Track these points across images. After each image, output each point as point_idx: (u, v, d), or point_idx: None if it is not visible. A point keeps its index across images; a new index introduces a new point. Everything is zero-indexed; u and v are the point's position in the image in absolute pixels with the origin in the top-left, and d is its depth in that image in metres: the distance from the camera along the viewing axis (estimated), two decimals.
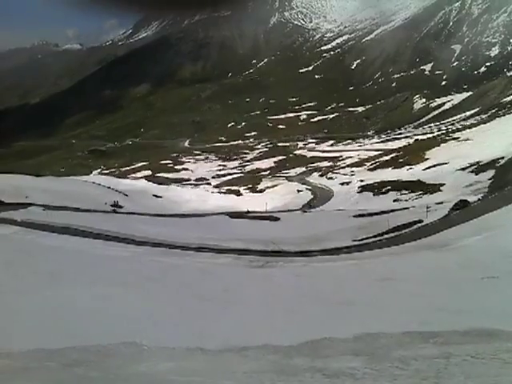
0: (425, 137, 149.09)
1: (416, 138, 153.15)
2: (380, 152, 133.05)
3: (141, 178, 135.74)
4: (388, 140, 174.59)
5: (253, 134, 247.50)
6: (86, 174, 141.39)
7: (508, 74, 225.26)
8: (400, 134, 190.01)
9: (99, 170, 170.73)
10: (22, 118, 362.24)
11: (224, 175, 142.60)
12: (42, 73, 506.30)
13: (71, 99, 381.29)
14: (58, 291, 18.52)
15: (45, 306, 15.82)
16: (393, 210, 57.47)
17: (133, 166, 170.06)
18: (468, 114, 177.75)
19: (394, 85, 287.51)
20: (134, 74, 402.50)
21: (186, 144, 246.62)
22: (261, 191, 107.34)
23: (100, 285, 20.33)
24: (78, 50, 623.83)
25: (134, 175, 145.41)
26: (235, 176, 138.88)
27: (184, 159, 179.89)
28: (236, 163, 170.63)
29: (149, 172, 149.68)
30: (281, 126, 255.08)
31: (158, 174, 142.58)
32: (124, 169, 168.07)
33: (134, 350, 9.76)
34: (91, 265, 28.03)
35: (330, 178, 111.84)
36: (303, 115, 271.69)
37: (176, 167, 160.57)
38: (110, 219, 56.32)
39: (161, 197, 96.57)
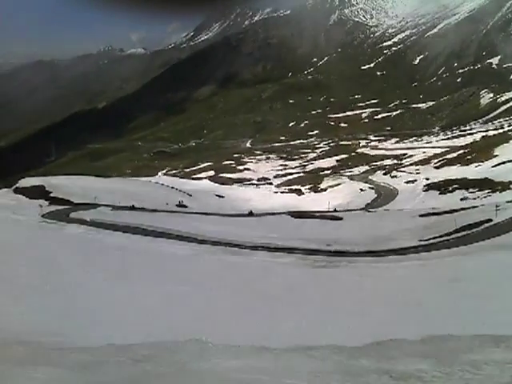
0: (493, 133, 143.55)
1: (484, 134, 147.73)
2: (446, 149, 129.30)
3: (204, 178, 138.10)
4: (454, 137, 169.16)
5: (314, 132, 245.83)
6: (152, 175, 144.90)
7: None
8: (467, 130, 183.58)
9: (164, 171, 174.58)
10: (90, 122, 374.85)
11: (285, 175, 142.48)
12: (108, 77, 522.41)
13: (136, 102, 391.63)
14: (126, 289, 19.11)
15: (114, 304, 16.36)
16: (461, 209, 55.81)
17: (196, 167, 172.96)
18: None
19: (459, 80, 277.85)
20: (196, 76, 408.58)
21: (248, 144, 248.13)
22: (323, 190, 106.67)
23: (166, 282, 20.83)
24: (142, 54, 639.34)
25: (197, 175, 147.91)
26: (297, 175, 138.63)
27: (246, 159, 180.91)
28: (297, 163, 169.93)
29: (212, 172, 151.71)
30: (343, 125, 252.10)
31: (221, 175, 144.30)
32: (188, 169, 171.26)
33: (200, 347, 9.92)
34: (157, 263, 28.80)
35: (395, 177, 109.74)
36: (365, 113, 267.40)
37: (238, 167, 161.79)
38: (175, 219, 57.65)
39: (223, 196, 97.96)
